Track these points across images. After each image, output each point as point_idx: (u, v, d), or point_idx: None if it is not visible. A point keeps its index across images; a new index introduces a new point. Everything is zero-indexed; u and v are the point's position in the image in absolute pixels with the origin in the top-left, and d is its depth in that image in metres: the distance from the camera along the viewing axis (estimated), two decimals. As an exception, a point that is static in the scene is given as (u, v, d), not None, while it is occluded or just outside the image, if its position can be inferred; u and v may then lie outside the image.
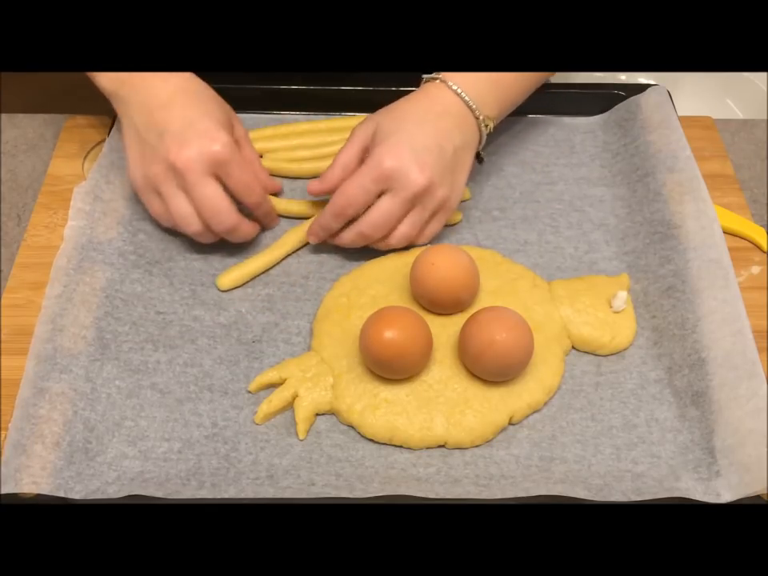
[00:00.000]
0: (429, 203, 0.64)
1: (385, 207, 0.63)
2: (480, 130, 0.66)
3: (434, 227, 0.66)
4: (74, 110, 0.78)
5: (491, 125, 0.67)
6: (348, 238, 0.65)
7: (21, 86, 0.83)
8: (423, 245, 0.67)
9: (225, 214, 0.63)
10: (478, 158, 0.69)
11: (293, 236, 0.68)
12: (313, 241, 0.67)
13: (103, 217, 0.67)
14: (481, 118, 0.65)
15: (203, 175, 0.61)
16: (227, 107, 0.67)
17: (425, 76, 0.67)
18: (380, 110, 0.67)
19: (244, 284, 0.66)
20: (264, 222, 0.69)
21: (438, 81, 0.65)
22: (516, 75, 0.68)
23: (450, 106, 0.65)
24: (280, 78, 0.77)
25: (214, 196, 0.62)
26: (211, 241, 0.66)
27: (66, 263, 0.63)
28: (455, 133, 0.64)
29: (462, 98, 0.65)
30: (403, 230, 0.65)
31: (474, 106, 0.65)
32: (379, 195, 0.63)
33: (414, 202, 0.63)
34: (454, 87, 0.64)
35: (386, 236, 0.65)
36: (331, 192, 0.65)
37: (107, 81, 0.65)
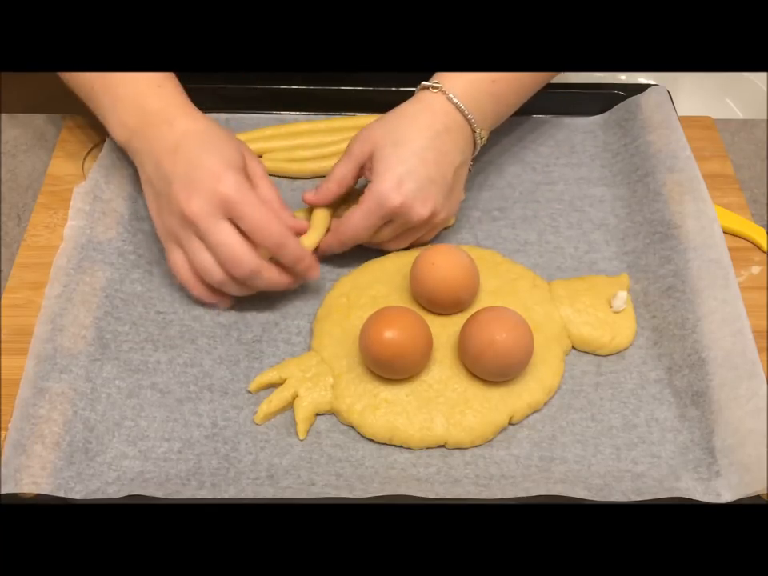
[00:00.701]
0: (424, 228, 0.65)
1: (385, 234, 0.64)
2: (475, 143, 0.66)
3: (429, 236, 0.68)
4: (74, 110, 0.77)
5: (486, 137, 0.66)
6: (339, 249, 0.66)
7: (21, 86, 0.83)
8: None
9: (243, 259, 0.59)
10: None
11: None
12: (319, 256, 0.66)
13: (103, 217, 0.67)
14: (478, 131, 0.65)
15: (215, 220, 0.58)
16: (239, 144, 0.63)
17: (423, 83, 0.65)
18: (376, 123, 0.65)
19: None
20: (297, 270, 0.62)
21: (437, 91, 0.64)
22: (514, 88, 0.67)
23: (449, 122, 0.64)
24: (280, 78, 0.77)
25: (228, 241, 0.58)
26: (245, 293, 0.62)
27: (66, 263, 0.63)
28: (455, 153, 0.64)
29: (463, 113, 0.64)
30: (394, 246, 0.66)
31: (473, 120, 0.64)
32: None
33: (414, 229, 0.65)
34: (455, 100, 0.63)
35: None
36: (324, 203, 0.66)
37: (119, 132, 0.64)
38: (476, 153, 0.67)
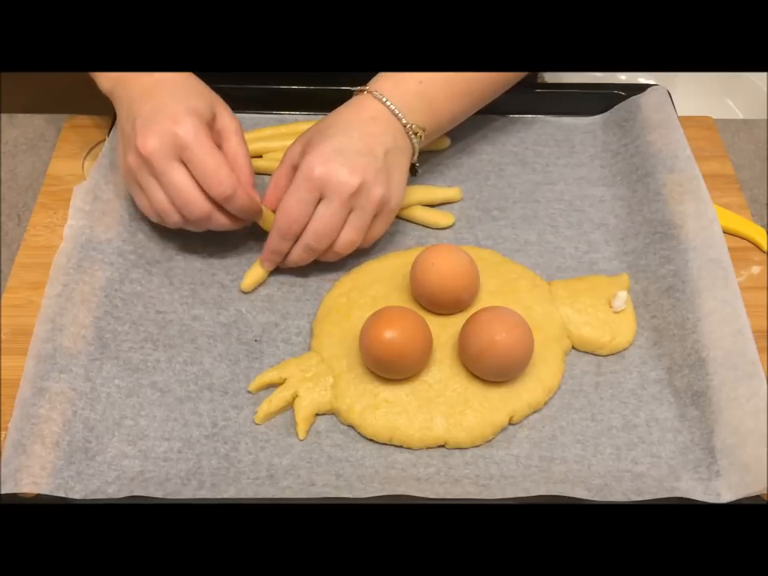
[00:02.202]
0: (366, 204, 0.62)
1: (324, 214, 0.62)
2: (410, 138, 0.65)
3: (379, 229, 0.65)
4: (74, 110, 0.78)
5: (421, 133, 0.65)
6: (296, 254, 0.64)
7: (21, 86, 0.83)
8: (368, 248, 0.66)
9: (194, 202, 0.60)
10: (413, 170, 0.68)
11: None
12: (267, 267, 0.65)
13: (103, 216, 0.67)
14: (408, 125, 0.65)
15: (168, 161, 0.60)
16: (213, 98, 0.65)
17: (354, 89, 0.66)
18: (307, 129, 0.66)
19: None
20: (244, 218, 0.64)
21: (365, 92, 0.65)
22: (443, 89, 0.66)
23: (376, 112, 0.64)
24: (280, 78, 0.77)
25: (180, 183, 0.60)
26: (198, 229, 0.63)
27: (66, 262, 0.63)
28: (386, 137, 0.63)
29: (387, 106, 0.64)
30: (347, 236, 0.63)
31: (398, 113, 0.64)
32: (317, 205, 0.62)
33: (352, 203, 0.62)
34: (381, 98, 0.64)
35: (331, 245, 0.63)
36: (269, 208, 0.66)
37: (105, 80, 0.65)
38: (416, 153, 0.66)
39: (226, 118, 0.65)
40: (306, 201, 0.61)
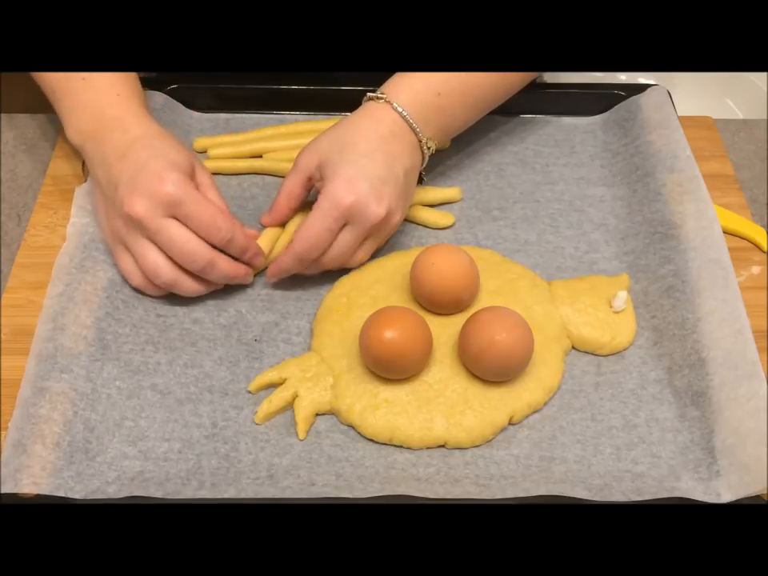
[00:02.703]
0: (384, 230, 0.64)
1: (345, 241, 0.62)
2: (422, 152, 0.66)
3: (374, 246, 0.66)
4: (74, 110, 0.77)
5: (433, 147, 0.66)
6: (305, 272, 0.64)
7: (21, 86, 0.83)
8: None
9: (197, 252, 0.60)
10: (419, 179, 0.69)
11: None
12: (271, 281, 0.65)
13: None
14: (424, 140, 0.65)
15: (162, 219, 0.59)
16: (188, 152, 0.64)
17: (369, 94, 0.65)
18: (322, 135, 0.65)
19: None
20: (245, 259, 0.63)
21: (382, 101, 0.64)
22: (459, 101, 0.66)
23: (395, 128, 0.64)
24: (280, 78, 0.77)
25: (179, 236, 0.59)
26: (191, 291, 0.62)
27: (69, 262, 0.63)
28: (404, 156, 0.64)
29: (406, 120, 0.64)
30: (359, 257, 0.64)
31: (417, 129, 0.64)
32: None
33: (372, 232, 0.63)
34: (399, 109, 0.63)
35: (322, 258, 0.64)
36: (278, 221, 0.66)
37: (75, 136, 0.64)
38: (425, 164, 0.67)
39: (204, 175, 0.65)
40: (331, 230, 0.61)
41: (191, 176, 0.62)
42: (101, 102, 0.63)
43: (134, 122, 0.63)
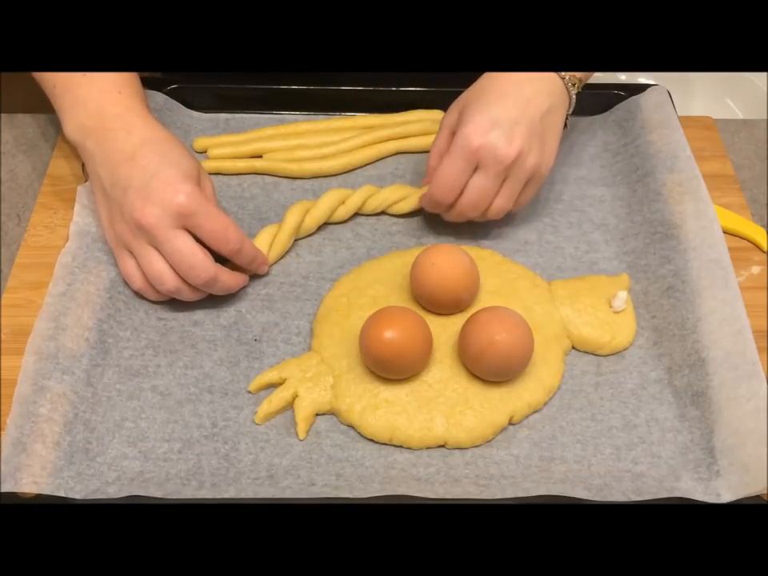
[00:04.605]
0: (519, 173, 0.64)
1: (479, 185, 0.63)
2: (568, 91, 0.66)
3: (528, 194, 0.66)
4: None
5: (577, 83, 0.66)
6: (450, 218, 0.67)
7: (21, 86, 0.83)
8: (516, 212, 0.68)
9: (200, 266, 0.59)
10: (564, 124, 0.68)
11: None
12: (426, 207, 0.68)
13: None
14: (566, 78, 0.65)
15: (171, 229, 0.59)
16: (195, 159, 0.63)
17: None
18: (465, 92, 0.66)
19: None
20: (251, 268, 0.65)
21: None
22: None
23: (532, 74, 0.64)
24: (280, 78, 0.77)
25: (185, 248, 0.59)
26: (193, 297, 0.62)
27: (71, 261, 0.63)
28: (541, 98, 0.64)
29: None
30: (498, 204, 0.65)
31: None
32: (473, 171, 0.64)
33: (506, 173, 0.63)
34: None
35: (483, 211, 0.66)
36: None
37: (75, 132, 0.63)
38: (572, 105, 0.67)
39: (206, 180, 0.65)
40: (462, 170, 0.63)
41: (198, 182, 0.62)
42: (102, 99, 0.63)
43: (138, 123, 0.62)
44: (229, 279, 0.62)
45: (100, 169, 0.62)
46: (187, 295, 0.62)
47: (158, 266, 0.60)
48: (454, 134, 0.65)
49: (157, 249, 0.60)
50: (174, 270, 0.60)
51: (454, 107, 0.66)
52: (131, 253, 0.61)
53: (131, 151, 0.60)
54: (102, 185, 0.62)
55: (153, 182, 0.59)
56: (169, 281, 0.60)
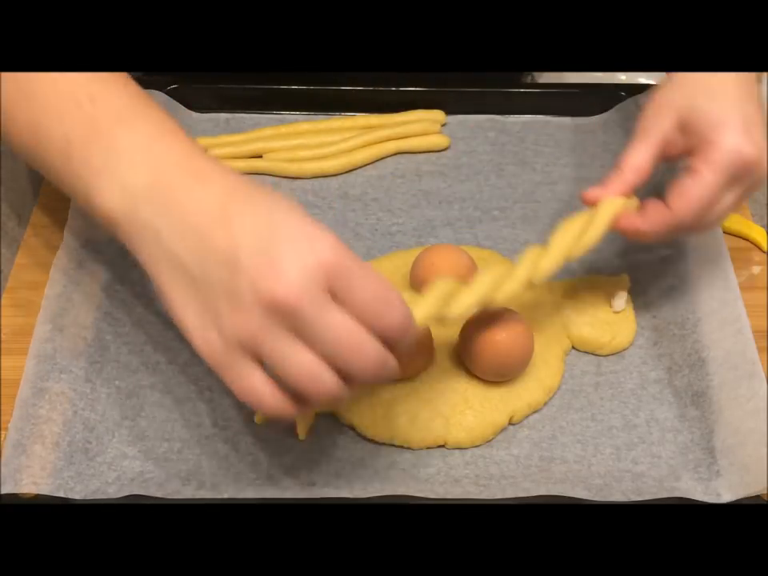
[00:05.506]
0: (755, 178, 0.55)
1: (731, 200, 0.54)
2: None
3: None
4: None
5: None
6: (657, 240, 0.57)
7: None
8: None
9: (369, 344, 0.41)
10: None
11: None
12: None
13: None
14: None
15: (321, 299, 0.41)
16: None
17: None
18: (661, 91, 0.57)
19: None
20: (405, 351, 0.45)
21: None
22: None
23: None
24: (280, 78, 0.77)
25: (345, 323, 0.41)
26: (347, 400, 0.45)
27: (67, 262, 0.63)
28: (754, 91, 0.56)
29: None
30: (726, 213, 0.56)
31: None
32: None
33: (753, 189, 0.55)
34: None
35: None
36: (616, 194, 0.56)
37: (120, 201, 0.46)
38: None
39: None
40: (722, 188, 0.53)
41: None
42: (153, 140, 0.47)
43: (205, 166, 0.46)
44: (396, 364, 0.44)
45: (170, 240, 0.44)
46: (346, 397, 0.44)
47: (309, 359, 0.41)
48: (663, 144, 0.56)
49: (301, 338, 0.42)
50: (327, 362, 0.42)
51: (659, 109, 0.56)
52: (254, 358, 0.43)
53: (219, 208, 0.43)
54: (179, 266, 0.43)
55: (277, 237, 0.41)
56: (329, 378, 0.42)
